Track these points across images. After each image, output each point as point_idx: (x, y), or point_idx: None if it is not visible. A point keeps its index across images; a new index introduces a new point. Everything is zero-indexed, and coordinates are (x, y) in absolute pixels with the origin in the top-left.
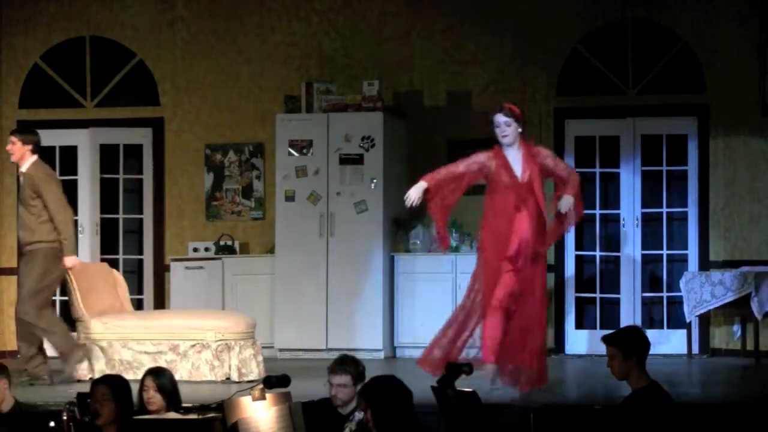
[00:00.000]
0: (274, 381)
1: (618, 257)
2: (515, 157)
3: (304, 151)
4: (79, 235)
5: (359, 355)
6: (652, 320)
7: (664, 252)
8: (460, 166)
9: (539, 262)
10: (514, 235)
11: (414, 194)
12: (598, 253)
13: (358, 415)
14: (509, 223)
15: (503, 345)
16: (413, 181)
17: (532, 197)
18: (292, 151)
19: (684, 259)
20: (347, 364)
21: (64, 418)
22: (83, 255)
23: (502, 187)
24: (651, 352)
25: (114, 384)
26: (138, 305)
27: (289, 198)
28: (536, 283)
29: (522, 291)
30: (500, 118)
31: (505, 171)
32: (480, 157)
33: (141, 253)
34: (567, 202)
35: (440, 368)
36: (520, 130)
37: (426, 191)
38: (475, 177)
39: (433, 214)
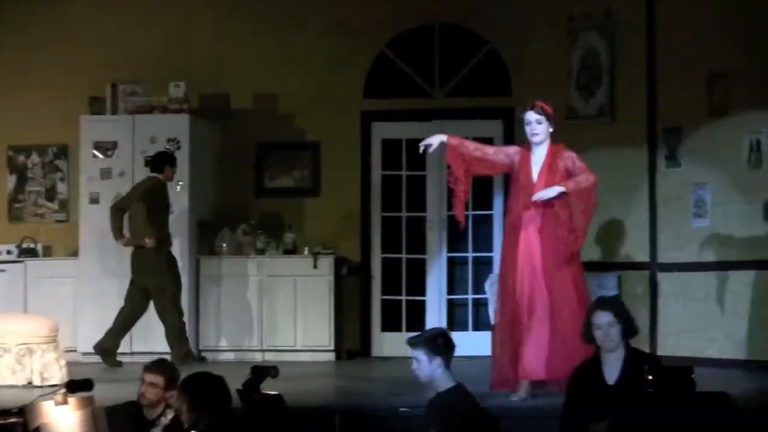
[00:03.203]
0: (76, 385)
1: (424, 260)
2: (538, 159)
3: (109, 152)
4: None
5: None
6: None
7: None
8: (491, 149)
9: (570, 266)
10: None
11: (435, 141)
12: (404, 256)
13: (164, 420)
14: (517, 231)
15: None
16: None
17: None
18: (97, 153)
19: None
20: (164, 366)
21: None
22: None
23: (519, 187)
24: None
25: None
26: None
27: (94, 200)
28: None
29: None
30: (531, 116)
31: (523, 171)
32: (511, 150)
33: None
34: (542, 193)
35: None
36: (551, 129)
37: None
38: (501, 167)
39: (454, 170)
